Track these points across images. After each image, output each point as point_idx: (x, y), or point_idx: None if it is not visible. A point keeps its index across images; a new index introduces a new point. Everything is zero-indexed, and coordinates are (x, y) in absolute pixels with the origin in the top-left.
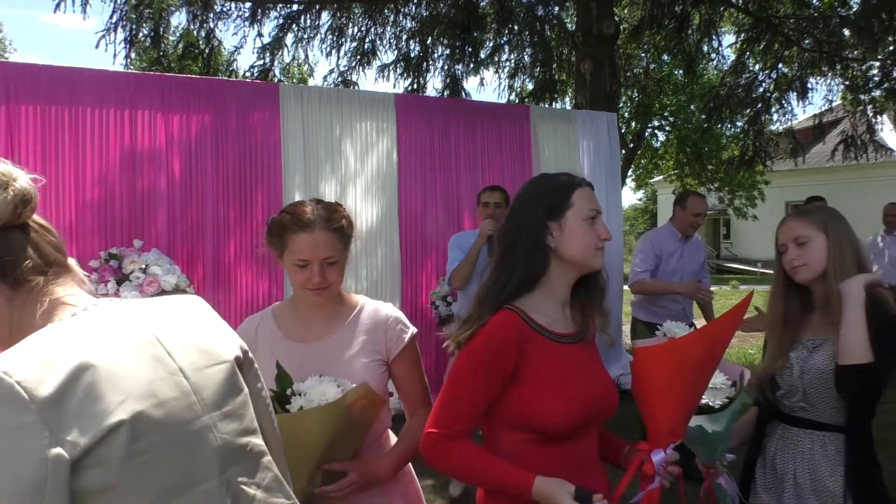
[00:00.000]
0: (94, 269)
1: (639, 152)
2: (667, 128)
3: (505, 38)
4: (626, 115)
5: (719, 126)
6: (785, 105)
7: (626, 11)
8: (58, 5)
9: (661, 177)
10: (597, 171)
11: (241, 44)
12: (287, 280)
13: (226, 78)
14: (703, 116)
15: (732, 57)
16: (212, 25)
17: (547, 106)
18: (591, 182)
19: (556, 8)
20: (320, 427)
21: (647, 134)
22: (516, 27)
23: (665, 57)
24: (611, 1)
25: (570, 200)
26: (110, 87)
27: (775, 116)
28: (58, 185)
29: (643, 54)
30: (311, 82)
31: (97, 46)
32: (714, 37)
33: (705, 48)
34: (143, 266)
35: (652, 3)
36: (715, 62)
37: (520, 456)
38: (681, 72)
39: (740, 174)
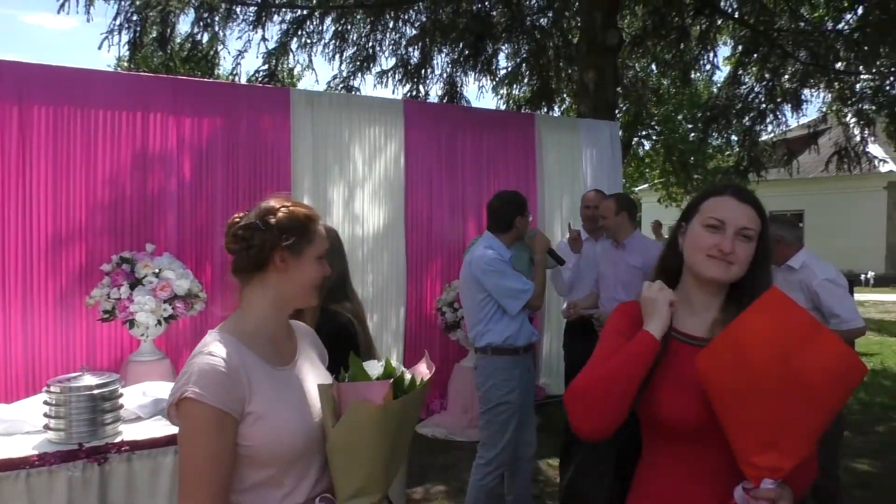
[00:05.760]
0: (106, 273)
1: (624, 160)
2: (653, 137)
3: (506, 47)
4: None
5: (714, 135)
6: (779, 116)
7: (625, 22)
8: (61, 6)
9: (646, 185)
10: (599, 178)
11: (246, 48)
12: None
13: (238, 82)
14: (700, 126)
15: (727, 69)
16: (216, 29)
17: (547, 113)
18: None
19: (555, 16)
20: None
21: (633, 143)
22: (523, 37)
23: (654, 67)
24: (615, 11)
25: (700, 207)
26: (122, 89)
27: (769, 127)
28: (69, 186)
29: (634, 64)
30: (301, 84)
31: (100, 48)
32: (710, 48)
33: (702, 60)
34: (157, 270)
35: (653, 14)
36: (710, 73)
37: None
38: (670, 82)
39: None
